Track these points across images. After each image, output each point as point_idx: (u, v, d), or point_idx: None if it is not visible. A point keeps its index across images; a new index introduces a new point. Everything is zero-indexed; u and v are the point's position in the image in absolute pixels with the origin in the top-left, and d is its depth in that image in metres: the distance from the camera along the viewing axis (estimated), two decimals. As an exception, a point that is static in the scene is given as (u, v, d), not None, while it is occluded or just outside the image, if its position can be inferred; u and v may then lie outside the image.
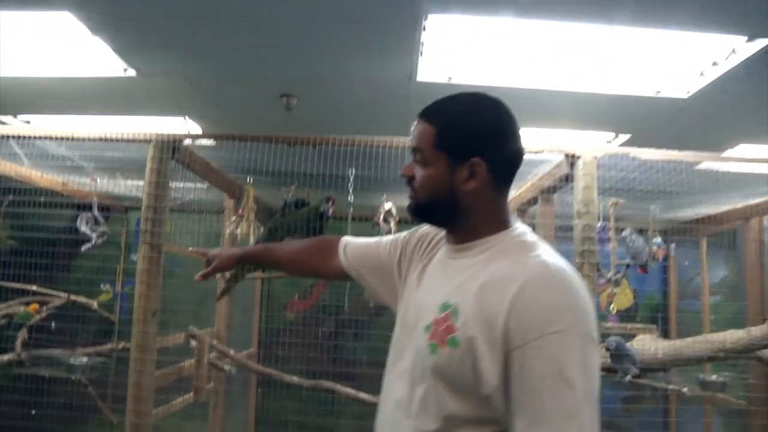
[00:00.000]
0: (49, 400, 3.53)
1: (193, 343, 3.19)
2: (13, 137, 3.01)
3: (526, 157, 1.31)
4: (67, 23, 2.56)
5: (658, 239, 3.83)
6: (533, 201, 3.51)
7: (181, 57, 2.93)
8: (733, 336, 3.06)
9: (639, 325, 3.29)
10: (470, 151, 1.20)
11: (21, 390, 3.45)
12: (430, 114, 1.27)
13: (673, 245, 4.64)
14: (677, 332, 4.97)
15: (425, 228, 1.47)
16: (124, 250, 4.64)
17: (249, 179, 3.41)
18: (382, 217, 3.39)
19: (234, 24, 2.56)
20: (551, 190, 3.21)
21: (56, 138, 3.00)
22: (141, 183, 2.97)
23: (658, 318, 4.91)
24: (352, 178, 3.18)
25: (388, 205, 3.42)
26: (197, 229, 3.88)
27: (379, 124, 3.64)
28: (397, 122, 3.49)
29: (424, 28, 2.50)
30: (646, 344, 3.20)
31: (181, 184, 3.38)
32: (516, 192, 3.67)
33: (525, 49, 2.69)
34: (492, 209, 1.25)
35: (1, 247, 3.80)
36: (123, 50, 2.82)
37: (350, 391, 3.12)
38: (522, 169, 1.32)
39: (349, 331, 5.19)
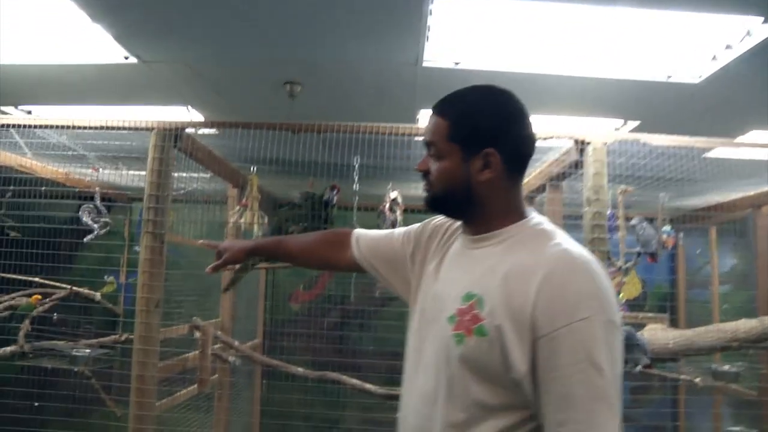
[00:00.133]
0: (53, 391, 3.51)
1: (197, 334, 3.15)
2: (13, 126, 2.97)
3: (533, 144, 1.32)
4: (67, 10, 2.52)
5: (668, 227, 3.78)
6: (541, 189, 3.45)
7: (183, 43, 2.88)
8: (745, 325, 3.02)
9: (650, 315, 3.24)
10: (483, 142, 1.23)
11: (24, 382, 3.42)
12: (442, 108, 1.30)
13: (681, 234, 4.58)
14: (686, 322, 4.92)
15: (439, 219, 1.49)
16: (127, 241, 4.61)
17: (252, 168, 3.36)
18: (387, 206, 3.35)
19: (236, 9, 2.50)
20: (560, 177, 3.16)
21: (56, 127, 2.95)
22: (144, 173, 2.93)
23: (667, 307, 4.86)
24: (357, 167, 3.13)
25: (393, 194, 3.37)
26: (201, 219, 3.85)
27: (385, 111, 3.59)
28: (403, 109, 3.45)
29: (431, 12, 2.45)
30: (657, 334, 3.16)
31: (185, 174, 3.35)
32: (524, 180, 3.61)
33: (533, 33, 2.63)
34: (507, 199, 1.28)
35: None
36: (124, 37, 2.78)
37: (356, 382, 3.08)
38: (530, 156, 1.33)
39: (355, 322, 5.16)
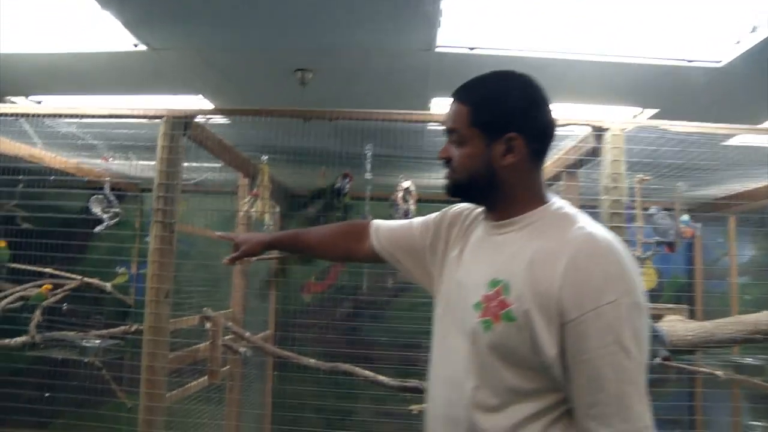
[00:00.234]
0: (64, 382, 3.49)
1: (208, 325, 3.12)
2: (22, 115, 2.94)
3: (549, 130, 1.31)
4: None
5: (686, 217, 3.71)
6: (557, 177, 3.38)
7: (192, 30, 2.83)
8: (767, 317, 2.94)
9: (670, 306, 3.16)
10: (505, 126, 1.24)
11: (34, 372, 3.41)
12: (462, 94, 1.31)
13: (699, 224, 4.50)
14: (703, 313, 4.84)
15: (458, 207, 1.50)
16: (139, 231, 4.60)
17: (263, 158, 3.32)
18: (400, 195, 3.30)
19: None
20: (576, 165, 3.09)
21: (65, 116, 2.92)
22: (155, 163, 2.90)
23: (683, 298, 4.79)
24: (369, 155, 3.08)
25: (406, 184, 3.33)
26: (211, 209, 3.82)
27: (398, 99, 3.53)
28: (416, 96, 3.39)
29: (444, -5, 2.39)
30: (675, 325, 3.08)
31: (196, 164, 3.32)
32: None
33: (549, 16, 2.56)
34: (530, 183, 1.28)
35: None
36: (133, 24, 2.74)
37: (368, 373, 3.03)
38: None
39: (367, 312, 5.12)
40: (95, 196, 3.37)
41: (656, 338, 2.86)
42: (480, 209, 1.40)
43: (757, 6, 2.37)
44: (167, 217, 2.71)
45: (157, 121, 2.75)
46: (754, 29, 2.52)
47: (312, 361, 3.11)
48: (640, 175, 3.22)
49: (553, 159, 3.28)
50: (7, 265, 3.77)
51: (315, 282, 5.39)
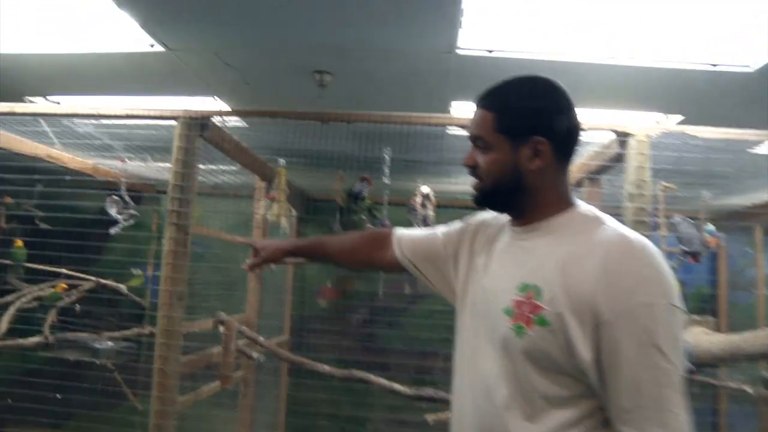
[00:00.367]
0: (76, 384, 3.47)
1: (222, 329, 3.08)
2: (39, 115, 2.93)
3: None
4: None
5: (711, 227, 3.63)
6: (579, 184, 3.31)
7: (210, 30, 2.81)
8: (797, 330, 2.83)
9: (696, 317, 3.07)
10: (531, 130, 1.23)
11: (47, 373, 3.39)
12: (486, 100, 1.29)
13: (724, 234, 4.40)
14: (727, 325, 4.72)
15: (482, 216, 1.49)
16: (156, 233, 4.59)
17: (281, 161, 3.29)
18: (419, 201, 3.25)
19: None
20: (599, 171, 3.02)
21: (81, 115, 2.91)
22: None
23: (707, 310, 4.67)
24: (388, 159, 3.03)
25: (425, 189, 3.27)
26: (228, 211, 3.80)
27: (418, 102, 3.49)
28: (436, 99, 3.34)
29: (465, -4, 2.34)
30: (699, 338, 2.98)
31: (213, 167, 3.29)
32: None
33: (571, 19, 2.50)
34: (557, 187, 1.27)
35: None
36: (150, 24, 2.73)
37: (384, 381, 2.98)
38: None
39: (384, 319, 5.07)
40: (111, 198, 3.35)
41: (680, 350, 2.77)
42: (505, 217, 1.38)
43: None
44: (182, 219, 2.67)
45: (172, 122, 2.72)
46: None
47: (326, 367, 3.06)
48: (664, 183, 3.14)
49: (576, 165, 3.21)
50: (24, 264, 3.76)
51: (332, 287, 5.35)
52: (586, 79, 2.97)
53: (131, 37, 2.83)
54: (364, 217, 3.26)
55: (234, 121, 3.17)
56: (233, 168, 3.56)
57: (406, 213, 3.28)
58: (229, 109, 3.63)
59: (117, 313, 3.98)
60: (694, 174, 3.18)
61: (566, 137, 1.27)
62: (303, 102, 3.58)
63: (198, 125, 2.73)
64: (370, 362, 3.54)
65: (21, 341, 3.27)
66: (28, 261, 3.77)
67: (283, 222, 3.35)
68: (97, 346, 3.29)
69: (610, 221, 1.21)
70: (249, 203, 3.93)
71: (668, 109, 3.46)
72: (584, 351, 1.09)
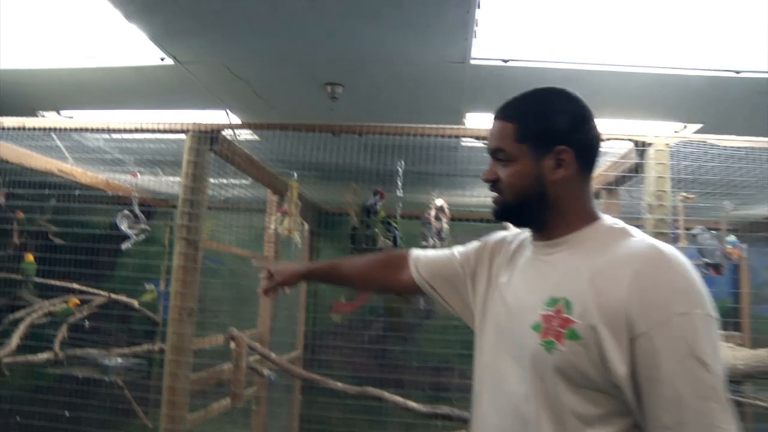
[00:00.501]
0: (85, 401, 3.44)
1: (233, 345, 3.04)
2: (49, 129, 2.92)
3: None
4: (102, 9, 2.44)
5: (732, 238, 3.55)
6: (596, 194, 3.25)
7: (220, 43, 2.78)
8: (827, 345, 2.74)
9: (722, 332, 2.98)
10: (554, 140, 1.21)
11: (56, 390, 3.36)
12: (505, 111, 1.28)
13: (745, 245, 4.31)
14: (751, 340, 4.61)
15: (500, 234, 1.47)
16: (168, 248, 4.57)
17: (293, 174, 3.26)
18: (433, 214, 3.19)
19: (275, 7, 2.38)
20: (617, 182, 2.95)
21: (92, 130, 2.90)
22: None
23: (729, 324, 4.57)
24: (401, 171, 2.99)
25: (439, 202, 3.22)
26: (240, 225, 3.76)
27: (431, 113, 3.44)
28: (450, 110, 3.29)
29: (479, 5, 2.28)
30: (724, 353, 2.89)
31: (225, 180, 3.26)
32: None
33: (586, 26, 2.44)
34: (581, 199, 1.24)
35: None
36: (159, 37, 2.69)
37: (398, 399, 2.91)
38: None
39: (398, 335, 5.00)
40: (122, 212, 3.33)
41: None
42: (523, 234, 1.37)
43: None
44: (191, 233, 2.64)
45: (182, 135, 2.70)
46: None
47: (340, 384, 3.00)
48: (684, 193, 3.08)
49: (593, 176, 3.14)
50: (34, 279, 3.75)
51: (345, 302, 5.30)
52: (602, 87, 2.90)
53: (141, 51, 2.81)
54: (377, 230, 3.21)
55: (246, 135, 3.15)
56: (245, 182, 3.53)
57: (419, 226, 3.23)
58: (239, 122, 3.61)
59: (128, 329, 3.95)
60: (714, 183, 3.11)
61: (588, 146, 1.25)
62: (315, 114, 3.55)
63: (208, 138, 2.70)
64: (384, 378, 3.47)
65: (31, 358, 3.23)
66: (41, 276, 3.76)
67: (296, 236, 3.31)
68: (106, 362, 3.26)
69: (638, 233, 1.18)
70: (261, 217, 3.90)
71: (687, 118, 3.38)
72: (619, 365, 1.04)
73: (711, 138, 2.65)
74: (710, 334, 1.03)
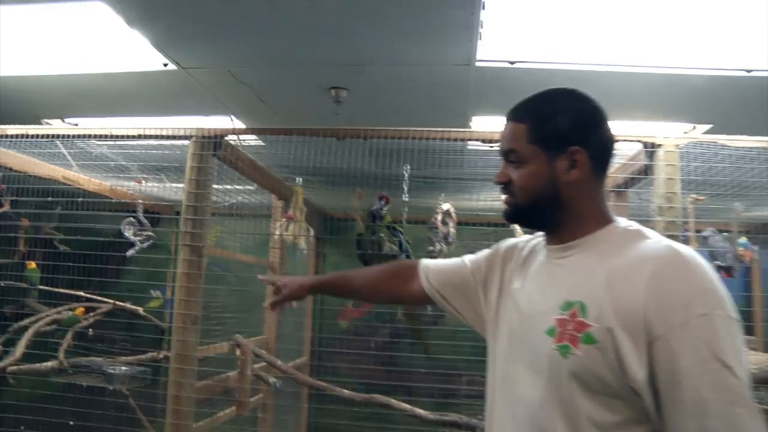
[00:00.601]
0: (90, 410, 3.41)
1: (238, 352, 3.01)
2: (53, 137, 2.91)
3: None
4: (103, 16, 2.44)
5: (744, 240, 3.51)
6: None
7: (223, 48, 2.76)
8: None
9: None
10: (567, 140, 1.19)
11: (61, 399, 3.34)
12: (517, 112, 1.27)
13: (757, 247, 4.26)
14: (764, 344, 4.55)
15: (511, 241, 1.46)
16: (174, 255, 4.55)
17: (298, 179, 3.23)
18: (440, 218, 3.16)
19: (279, 11, 2.37)
20: (626, 184, 2.91)
21: (95, 136, 2.88)
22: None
23: (744, 328, 4.50)
24: (407, 176, 2.95)
25: (446, 206, 3.18)
26: (245, 232, 3.74)
27: (436, 116, 3.42)
28: (455, 113, 3.26)
29: (484, 6, 2.26)
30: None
31: (230, 187, 3.24)
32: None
33: (593, 26, 2.41)
34: (595, 200, 1.22)
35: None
36: (161, 43, 2.69)
37: (406, 406, 2.87)
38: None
39: (405, 341, 4.96)
40: (127, 219, 3.31)
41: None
42: (535, 240, 1.36)
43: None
44: (195, 240, 2.62)
45: (186, 141, 2.68)
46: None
47: (346, 392, 2.96)
48: (694, 195, 3.04)
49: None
50: (39, 287, 3.74)
51: (352, 308, 5.26)
52: (610, 88, 2.87)
53: (144, 57, 2.79)
54: (383, 235, 3.18)
55: (251, 140, 3.13)
56: (250, 188, 3.51)
57: (426, 231, 3.19)
58: (243, 127, 3.60)
59: (133, 337, 3.93)
60: (725, 185, 3.07)
61: (602, 147, 1.23)
62: (319, 119, 3.53)
63: (211, 144, 2.68)
64: (391, 385, 3.44)
65: (35, 366, 3.21)
66: (47, 284, 3.75)
67: (301, 242, 3.28)
68: (111, 371, 3.23)
69: (654, 234, 1.16)
70: (266, 223, 3.87)
71: (697, 119, 3.34)
72: (637, 369, 1.01)
73: (721, 138, 2.61)
74: (732, 336, 0.99)
